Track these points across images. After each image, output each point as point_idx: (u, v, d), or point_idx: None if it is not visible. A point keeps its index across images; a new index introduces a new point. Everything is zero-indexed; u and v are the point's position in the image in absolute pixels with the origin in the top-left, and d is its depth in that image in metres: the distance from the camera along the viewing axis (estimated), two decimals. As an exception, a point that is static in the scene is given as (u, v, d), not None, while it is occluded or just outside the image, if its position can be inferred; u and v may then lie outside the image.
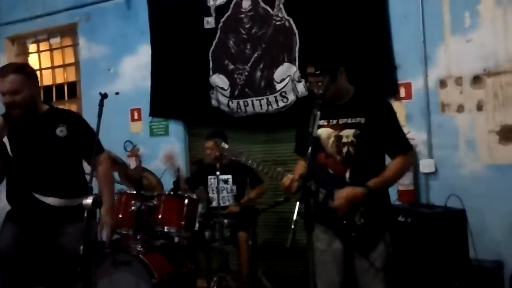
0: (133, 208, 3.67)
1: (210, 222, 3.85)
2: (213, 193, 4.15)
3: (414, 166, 3.81)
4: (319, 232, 2.44)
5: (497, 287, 3.29)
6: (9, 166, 2.71)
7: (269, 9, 4.46)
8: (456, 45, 3.83)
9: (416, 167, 3.88)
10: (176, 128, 5.11)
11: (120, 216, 3.66)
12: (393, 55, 4.01)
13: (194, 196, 3.91)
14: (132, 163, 4.66)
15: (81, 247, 2.16)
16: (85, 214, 2.17)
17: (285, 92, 4.38)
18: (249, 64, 4.54)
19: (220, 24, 4.69)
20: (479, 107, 3.76)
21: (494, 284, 3.27)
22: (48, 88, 5.97)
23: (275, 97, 4.42)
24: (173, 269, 3.67)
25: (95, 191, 2.35)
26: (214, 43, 4.72)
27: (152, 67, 5.09)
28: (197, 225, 3.96)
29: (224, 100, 4.67)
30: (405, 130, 2.64)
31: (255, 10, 4.53)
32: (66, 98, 5.90)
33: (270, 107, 4.46)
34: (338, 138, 2.39)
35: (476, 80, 3.77)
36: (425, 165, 3.87)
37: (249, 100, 4.54)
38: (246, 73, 4.56)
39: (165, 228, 3.72)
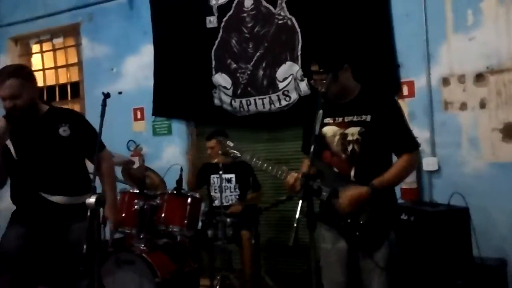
0: (136, 207, 3.68)
1: (213, 221, 3.86)
2: (215, 192, 4.15)
3: (417, 164, 3.81)
4: (324, 231, 2.44)
5: (500, 285, 3.28)
6: (13, 167, 2.72)
7: (271, 8, 4.46)
8: (458, 43, 3.82)
9: (419, 165, 3.87)
10: (179, 128, 5.12)
11: (123, 215, 3.66)
12: (396, 54, 4.01)
13: (197, 195, 3.92)
14: (134, 163, 4.66)
15: (84, 246, 2.18)
16: (88, 214, 2.18)
17: (287, 91, 4.38)
18: (251, 63, 4.55)
19: (223, 23, 4.69)
20: (482, 105, 3.75)
21: (498, 282, 3.26)
22: (51, 88, 5.99)
23: (278, 96, 4.42)
24: (176, 268, 3.67)
25: (98, 190, 2.35)
26: (216, 42, 4.72)
27: (154, 67, 5.10)
28: (200, 224, 3.97)
29: (226, 99, 4.67)
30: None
31: (257, 9, 4.53)
32: (69, 98, 5.92)
33: (272, 106, 4.47)
34: (343, 136, 2.37)
35: (479, 78, 3.76)
36: (428, 163, 3.87)
37: (251, 99, 4.54)
38: (249, 72, 4.56)
39: (168, 227, 3.73)
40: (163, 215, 3.72)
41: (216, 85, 4.73)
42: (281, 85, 4.40)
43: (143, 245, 3.63)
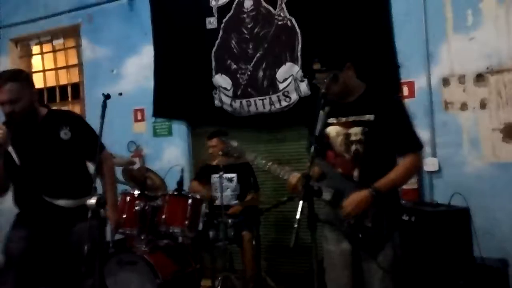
0: (137, 208, 3.69)
1: (214, 222, 3.86)
2: (216, 192, 4.15)
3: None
4: (327, 232, 2.43)
5: (501, 285, 3.28)
6: (16, 173, 2.72)
7: (271, 8, 4.46)
8: (458, 44, 3.83)
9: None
10: (179, 129, 5.12)
11: (124, 216, 3.66)
12: (396, 54, 4.01)
13: (198, 196, 3.92)
14: (135, 164, 4.67)
15: (86, 248, 2.19)
16: (89, 215, 2.19)
17: (287, 92, 4.38)
18: (251, 64, 4.55)
19: (223, 24, 4.70)
20: (483, 105, 3.75)
21: (499, 282, 3.26)
22: (51, 90, 6.00)
23: (278, 96, 4.42)
24: (178, 269, 3.68)
25: (99, 191, 2.36)
26: (216, 43, 4.73)
27: (155, 68, 5.11)
28: (201, 225, 3.97)
29: (227, 100, 4.67)
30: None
31: (257, 10, 4.54)
32: (69, 99, 5.92)
33: (273, 106, 4.47)
34: (347, 136, 2.34)
35: (479, 78, 3.76)
36: (429, 163, 3.86)
37: (252, 100, 4.54)
38: (249, 73, 4.56)
39: (169, 228, 3.73)
40: (164, 216, 3.73)
41: (216, 86, 4.73)
42: (281, 86, 4.41)
43: (144, 246, 3.63)
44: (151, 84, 5.11)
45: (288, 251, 4.27)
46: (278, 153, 4.59)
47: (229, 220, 3.83)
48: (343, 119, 2.36)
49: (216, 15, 4.73)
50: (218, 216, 3.81)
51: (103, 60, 5.48)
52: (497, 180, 3.67)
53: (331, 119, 2.35)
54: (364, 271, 2.33)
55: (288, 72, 4.37)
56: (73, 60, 5.88)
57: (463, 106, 3.82)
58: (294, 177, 2.33)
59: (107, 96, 2.42)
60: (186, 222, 3.73)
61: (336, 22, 4.12)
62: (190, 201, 3.80)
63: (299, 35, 4.31)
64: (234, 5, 4.64)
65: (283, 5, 4.39)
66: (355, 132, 2.32)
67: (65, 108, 5.54)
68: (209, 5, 4.74)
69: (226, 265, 3.98)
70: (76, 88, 5.85)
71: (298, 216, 1.87)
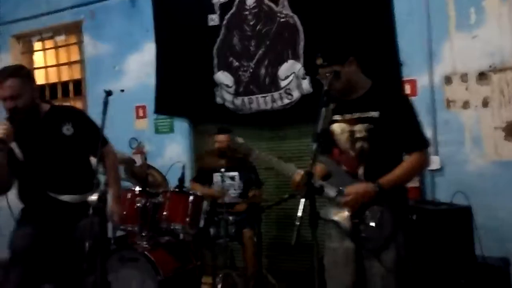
0: (138, 205, 3.69)
1: (215, 219, 3.86)
2: (223, 192, 4.13)
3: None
4: (330, 229, 2.42)
5: (503, 284, 3.28)
6: (20, 168, 2.72)
7: (273, 6, 4.46)
8: (461, 42, 3.81)
9: (422, 164, 3.87)
10: (181, 125, 5.12)
11: (126, 213, 3.66)
12: (398, 52, 3.99)
13: (199, 193, 3.92)
14: (137, 161, 4.67)
15: (87, 244, 2.19)
16: (90, 212, 2.19)
17: (289, 89, 4.37)
18: (253, 61, 4.54)
19: (225, 21, 4.69)
20: (485, 104, 3.74)
21: (501, 281, 3.26)
22: (53, 86, 6.00)
23: (280, 94, 4.42)
24: (179, 265, 3.68)
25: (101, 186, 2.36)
26: (218, 40, 4.72)
27: (156, 65, 5.10)
28: (202, 222, 3.97)
29: (228, 97, 4.67)
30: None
31: (259, 7, 4.53)
32: (71, 95, 5.92)
33: (274, 104, 4.46)
34: (351, 133, 2.32)
35: (482, 76, 3.75)
36: (431, 162, 3.85)
37: (253, 97, 4.54)
38: (251, 70, 4.56)
39: (170, 225, 3.73)
40: (165, 213, 3.73)
41: (218, 83, 4.73)
42: (283, 83, 4.40)
43: (145, 243, 3.64)
44: (153, 81, 5.11)
45: (289, 249, 4.27)
46: (279, 151, 4.58)
47: (230, 217, 3.83)
48: (348, 116, 2.35)
49: (218, 12, 4.72)
50: (219, 213, 3.81)
51: (105, 57, 5.47)
52: (499, 178, 3.66)
53: (336, 116, 2.34)
54: (366, 269, 2.30)
55: (290, 70, 4.36)
56: (75, 57, 5.88)
57: (465, 105, 3.81)
58: (298, 174, 2.32)
59: (109, 93, 2.41)
60: (187, 219, 3.73)
61: (338, 20, 4.11)
62: (191, 198, 3.80)
63: (301, 32, 4.30)
64: (236, 2, 4.63)
65: (285, 3, 4.38)
66: (360, 129, 2.30)
67: (67, 104, 5.53)
68: (211, 2, 4.74)
69: (227, 262, 3.99)
70: (78, 85, 5.86)
71: (299, 214, 1.86)
